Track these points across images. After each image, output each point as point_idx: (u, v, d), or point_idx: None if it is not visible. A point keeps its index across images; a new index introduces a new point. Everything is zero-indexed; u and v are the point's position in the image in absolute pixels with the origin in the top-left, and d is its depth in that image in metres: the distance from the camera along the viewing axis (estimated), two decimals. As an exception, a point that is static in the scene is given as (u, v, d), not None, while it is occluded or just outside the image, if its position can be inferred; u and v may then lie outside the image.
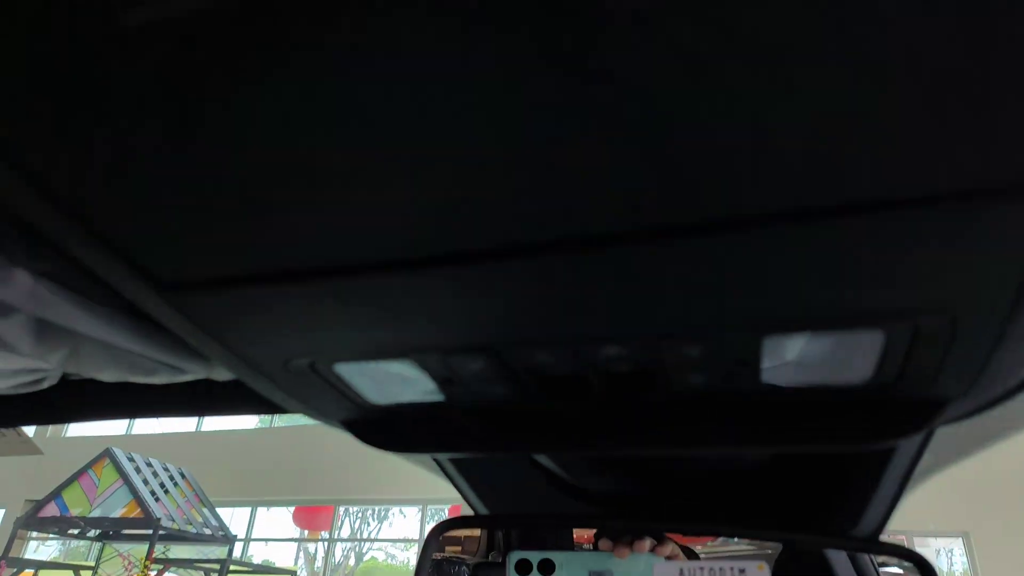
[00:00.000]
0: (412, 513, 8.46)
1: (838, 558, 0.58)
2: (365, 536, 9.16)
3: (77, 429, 9.35)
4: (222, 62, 0.17)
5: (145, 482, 5.40)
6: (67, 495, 5.37)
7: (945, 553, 6.01)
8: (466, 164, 0.20)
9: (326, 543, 8.55)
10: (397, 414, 0.38)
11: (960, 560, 5.91)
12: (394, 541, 8.97)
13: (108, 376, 0.41)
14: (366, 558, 9.07)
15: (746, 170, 0.19)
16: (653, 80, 0.17)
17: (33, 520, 5.41)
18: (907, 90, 0.16)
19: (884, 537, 0.56)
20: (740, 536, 0.54)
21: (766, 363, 0.29)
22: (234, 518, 7.96)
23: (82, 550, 8.21)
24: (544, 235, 0.22)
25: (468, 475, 0.63)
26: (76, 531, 5.64)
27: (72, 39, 0.17)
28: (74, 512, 5.28)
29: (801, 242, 0.21)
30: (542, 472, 0.61)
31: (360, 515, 9.17)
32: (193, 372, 0.44)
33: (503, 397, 0.34)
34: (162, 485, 5.60)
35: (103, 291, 0.35)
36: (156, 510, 5.16)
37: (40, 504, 5.39)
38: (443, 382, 0.33)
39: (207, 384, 0.57)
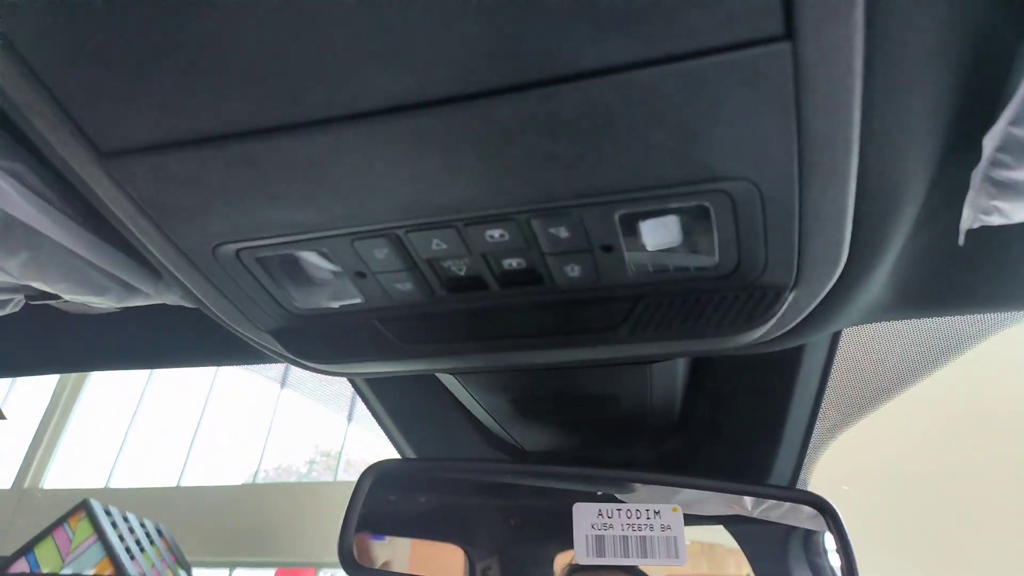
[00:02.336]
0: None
1: (793, 541, 0.61)
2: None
3: (55, 481, 9.11)
4: None
5: (121, 538, 5.24)
6: (39, 550, 5.19)
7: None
8: (320, 30, 0.24)
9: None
10: (321, 325, 0.41)
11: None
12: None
13: (64, 290, 0.42)
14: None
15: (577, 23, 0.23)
16: None
17: (1, 577, 5.22)
18: None
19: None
20: (660, 483, 0.57)
21: (627, 250, 0.33)
22: (211, 580, 7.66)
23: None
24: (405, 95, 0.26)
25: (400, 425, 0.66)
26: (45, 590, 5.42)
27: None
28: (45, 569, 5.10)
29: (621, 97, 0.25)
30: (475, 427, 0.64)
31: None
32: (144, 293, 0.46)
33: (412, 296, 0.38)
34: (138, 542, 5.43)
35: (62, 199, 0.37)
36: (130, 568, 4.99)
37: (10, 559, 5.21)
38: (357, 277, 0.37)
39: (162, 333, 0.60)
